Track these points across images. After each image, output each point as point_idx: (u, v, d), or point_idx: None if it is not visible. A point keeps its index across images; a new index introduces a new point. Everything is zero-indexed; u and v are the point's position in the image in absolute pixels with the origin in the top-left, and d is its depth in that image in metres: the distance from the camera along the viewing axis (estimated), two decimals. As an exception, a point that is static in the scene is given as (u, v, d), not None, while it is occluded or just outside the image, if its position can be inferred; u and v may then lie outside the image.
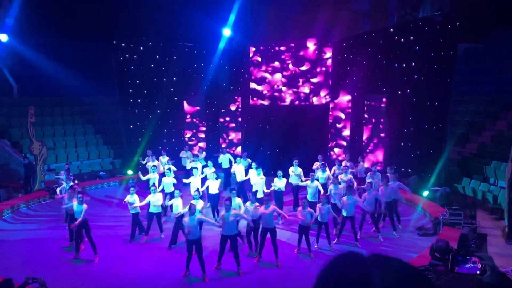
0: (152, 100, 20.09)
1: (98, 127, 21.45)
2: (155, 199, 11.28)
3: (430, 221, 12.58)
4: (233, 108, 20.97)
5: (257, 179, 12.92)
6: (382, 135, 17.91)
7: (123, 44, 19.57)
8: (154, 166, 14.37)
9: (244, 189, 14.09)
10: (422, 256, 9.58)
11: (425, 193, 14.41)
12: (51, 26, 20.46)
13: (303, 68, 19.24)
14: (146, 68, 19.85)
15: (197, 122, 21.19)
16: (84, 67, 20.67)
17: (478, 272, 2.34)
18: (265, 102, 20.04)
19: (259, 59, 19.90)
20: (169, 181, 13.09)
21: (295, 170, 13.58)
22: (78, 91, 21.04)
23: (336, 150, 19.39)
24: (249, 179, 13.62)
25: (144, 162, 15.92)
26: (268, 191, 12.63)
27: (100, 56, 21.51)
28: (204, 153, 17.22)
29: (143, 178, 13.75)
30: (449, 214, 11.50)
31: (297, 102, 19.61)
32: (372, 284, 0.92)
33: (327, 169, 13.85)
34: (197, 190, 11.56)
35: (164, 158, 16.28)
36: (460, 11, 14.63)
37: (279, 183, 12.73)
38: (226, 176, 16.11)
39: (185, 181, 13.82)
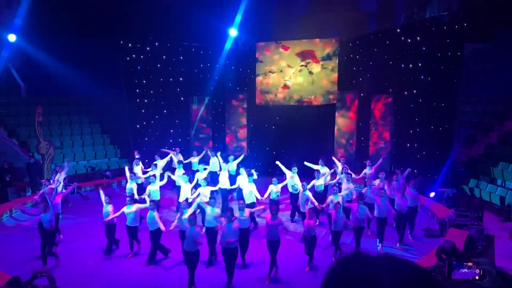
0: (158, 100, 20.15)
1: (105, 127, 21.53)
2: (130, 211, 10.27)
3: (436, 222, 12.53)
4: (239, 108, 20.93)
5: (247, 184, 12.22)
6: (388, 136, 17.83)
7: (130, 44, 19.64)
8: (133, 173, 13.68)
9: (227, 200, 13.59)
10: (428, 257, 9.54)
11: (432, 194, 14.33)
12: (58, 26, 20.58)
13: (309, 68, 19.19)
14: (152, 68, 19.91)
15: (203, 122, 21.20)
16: (91, 67, 20.78)
17: (476, 277, 2.32)
18: (271, 102, 20.01)
19: (265, 59, 19.85)
20: (155, 188, 12.49)
21: (293, 178, 12.94)
22: (85, 90, 21.11)
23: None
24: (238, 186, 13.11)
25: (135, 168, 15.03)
26: (263, 198, 12.02)
27: (107, 56, 21.62)
28: (197, 157, 16.36)
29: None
30: (455, 215, 11.43)
31: (303, 102, 19.55)
32: (380, 284, 0.92)
33: (322, 176, 13.23)
34: (186, 199, 10.90)
35: (159, 162, 15.36)
36: (467, 11, 14.58)
37: (275, 189, 12.26)
38: (213, 180, 14.51)
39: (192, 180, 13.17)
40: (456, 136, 15.59)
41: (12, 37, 18.29)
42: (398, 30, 17.65)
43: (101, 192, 10.95)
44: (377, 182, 12.24)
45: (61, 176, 13.55)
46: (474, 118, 18.22)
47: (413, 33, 16.62)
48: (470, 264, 2.29)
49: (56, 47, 19.98)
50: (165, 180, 13.19)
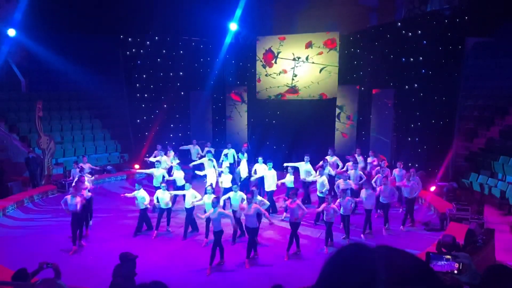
0: (158, 95, 20.12)
1: (105, 122, 21.54)
2: (164, 196, 11.46)
3: (437, 217, 12.54)
4: (239, 102, 20.89)
5: (267, 173, 13.02)
6: (389, 130, 17.80)
7: (130, 39, 19.58)
8: (157, 161, 14.45)
9: (248, 185, 13.93)
10: (428, 251, 9.54)
11: (432, 188, 14.34)
12: (58, 21, 20.53)
13: (310, 62, 19.13)
14: (152, 63, 19.87)
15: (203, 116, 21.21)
16: (91, 62, 20.73)
17: (455, 271, 2.30)
18: (272, 97, 19.95)
19: (266, 53, 19.78)
20: (179, 175, 13.42)
21: (306, 166, 13.54)
22: (85, 85, 21.11)
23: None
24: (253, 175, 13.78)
25: (153, 158, 15.84)
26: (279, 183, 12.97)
27: (107, 51, 21.57)
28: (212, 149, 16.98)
29: (146, 171, 14.34)
30: (456, 209, 11.44)
31: (303, 97, 19.49)
32: (378, 275, 0.91)
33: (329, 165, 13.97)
34: (211, 184, 11.88)
35: (171, 154, 16.30)
36: (469, 5, 14.50)
37: (288, 178, 12.85)
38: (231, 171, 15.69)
39: (198, 172, 14.45)
40: (457, 130, 15.56)
41: (12, 32, 18.24)
42: (399, 24, 17.57)
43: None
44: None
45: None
46: (475, 112, 18.18)
47: (414, 27, 16.54)
48: (448, 256, 2.27)
49: (56, 42, 19.93)
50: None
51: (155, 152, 16.30)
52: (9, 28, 18.18)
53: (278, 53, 19.51)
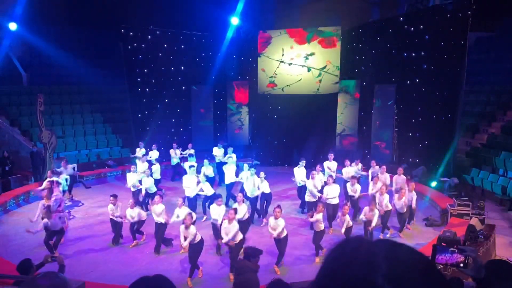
0: (160, 89, 20.11)
1: (106, 116, 21.55)
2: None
3: (438, 212, 12.55)
4: (241, 97, 20.86)
5: (249, 179, 12.10)
6: (391, 125, 17.78)
7: (131, 33, 19.55)
8: (136, 157, 13.92)
9: (231, 193, 13.27)
10: (428, 246, 9.55)
11: (434, 184, 14.33)
12: (59, 15, 20.52)
13: (312, 57, 19.08)
14: (154, 57, 19.83)
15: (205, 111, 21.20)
16: (92, 56, 20.69)
17: (461, 264, 2.31)
18: (273, 92, 19.91)
19: (267, 47, 19.74)
20: (149, 181, 12.60)
21: (300, 171, 12.94)
22: (87, 79, 21.11)
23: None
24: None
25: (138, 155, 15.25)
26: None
27: (108, 44, 21.53)
28: (192, 150, 16.72)
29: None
30: (457, 205, 11.44)
31: (305, 92, 19.46)
32: (378, 269, 0.91)
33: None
34: (184, 198, 10.86)
35: (154, 153, 15.98)
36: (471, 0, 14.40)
37: (262, 185, 11.98)
38: (220, 171, 14.94)
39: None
40: (459, 126, 15.52)
41: (13, 26, 18.21)
42: (401, 18, 17.49)
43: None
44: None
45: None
46: (477, 108, 18.16)
47: (416, 22, 16.47)
48: (454, 249, 2.28)
49: (58, 36, 19.94)
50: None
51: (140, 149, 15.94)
52: (10, 22, 18.14)
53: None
